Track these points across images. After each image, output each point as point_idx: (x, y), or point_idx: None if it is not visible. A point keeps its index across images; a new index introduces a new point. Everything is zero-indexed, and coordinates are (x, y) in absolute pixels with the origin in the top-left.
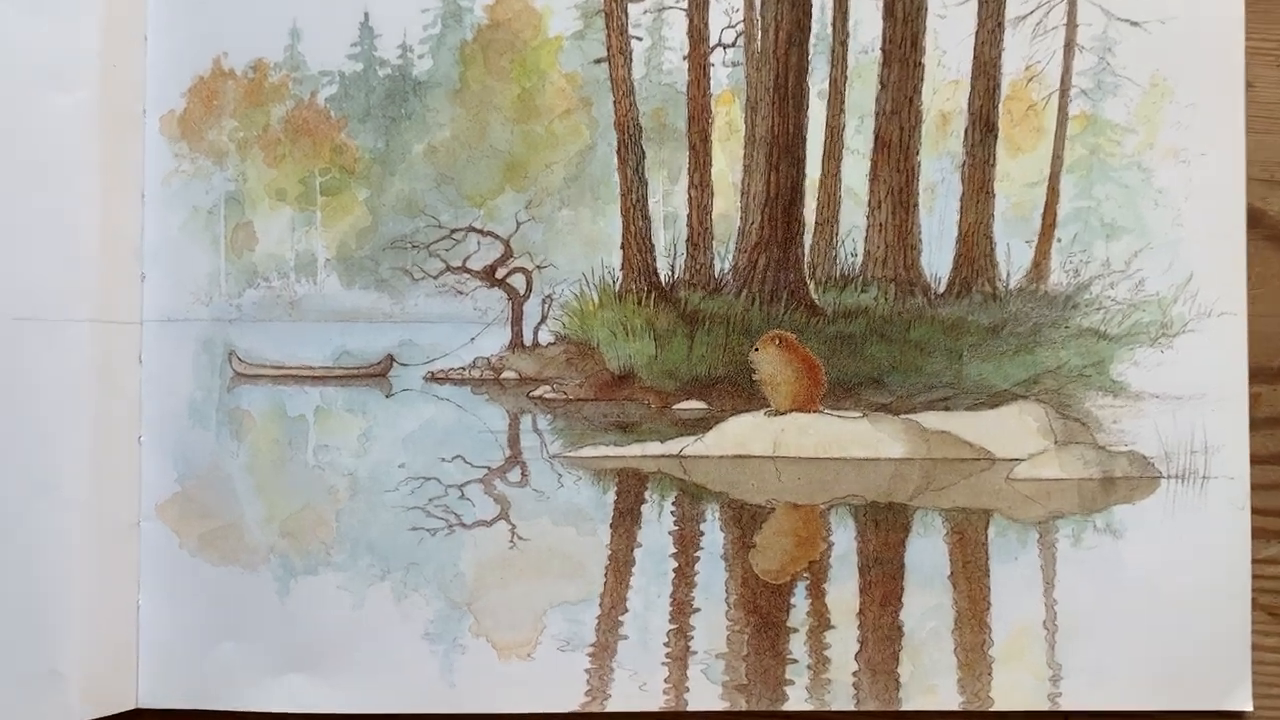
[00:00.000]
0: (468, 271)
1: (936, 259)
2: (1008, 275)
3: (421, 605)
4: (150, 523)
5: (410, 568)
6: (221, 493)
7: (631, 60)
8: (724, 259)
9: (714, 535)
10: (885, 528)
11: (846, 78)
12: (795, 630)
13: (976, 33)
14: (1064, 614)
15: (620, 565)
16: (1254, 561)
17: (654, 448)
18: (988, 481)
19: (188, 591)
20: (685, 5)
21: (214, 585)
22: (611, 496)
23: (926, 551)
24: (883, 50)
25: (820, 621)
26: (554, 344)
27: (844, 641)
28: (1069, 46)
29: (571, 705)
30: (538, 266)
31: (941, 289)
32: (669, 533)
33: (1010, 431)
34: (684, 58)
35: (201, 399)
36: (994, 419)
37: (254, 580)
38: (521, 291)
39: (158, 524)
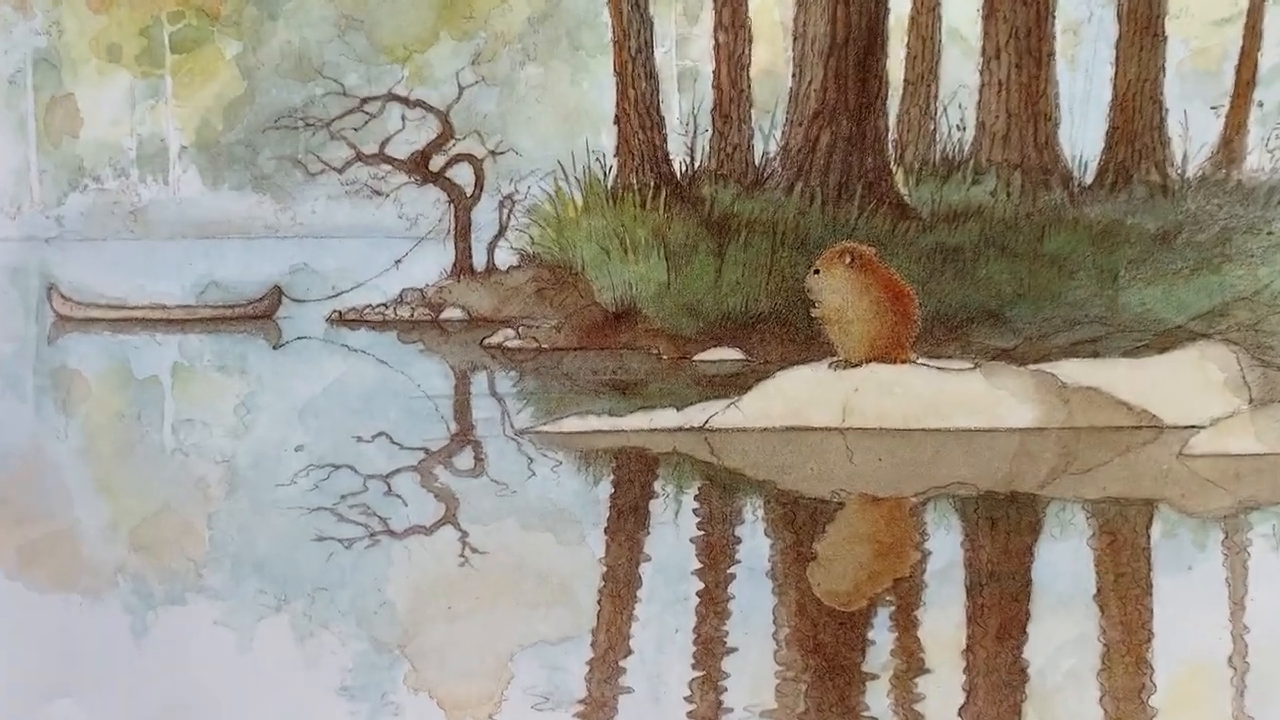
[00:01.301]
0: (388, 161)
1: (1080, 134)
2: (1185, 158)
3: (335, 647)
4: None
5: (317, 594)
6: (46, 489)
7: None
8: (769, 136)
9: (756, 543)
10: (1005, 529)
11: None
12: (874, 676)
13: None
14: (1260, 646)
15: (620, 588)
16: None
17: (667, 418)
18: (1153, 459)
19: (5, 628)
20: None
21: (42, 619)
22: (606, 489)
23: (1063, 561)
24: None
25: (910, 663)
26: (519, 268)
27: (944, 689)
28: None
29: None
30: (492, 152)
31: (1089, 179)
32: (690, 540)
33: (1185, 387)
34: None
35: (12, 354)
36: (1162, 369)
37: (98, 612)
38: (469, 190)
39: None
